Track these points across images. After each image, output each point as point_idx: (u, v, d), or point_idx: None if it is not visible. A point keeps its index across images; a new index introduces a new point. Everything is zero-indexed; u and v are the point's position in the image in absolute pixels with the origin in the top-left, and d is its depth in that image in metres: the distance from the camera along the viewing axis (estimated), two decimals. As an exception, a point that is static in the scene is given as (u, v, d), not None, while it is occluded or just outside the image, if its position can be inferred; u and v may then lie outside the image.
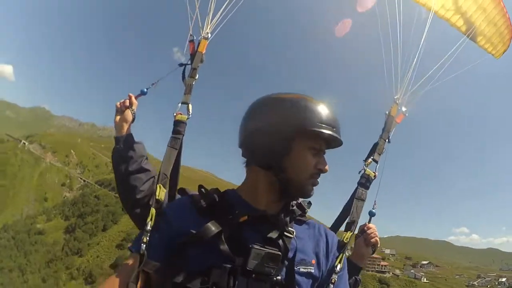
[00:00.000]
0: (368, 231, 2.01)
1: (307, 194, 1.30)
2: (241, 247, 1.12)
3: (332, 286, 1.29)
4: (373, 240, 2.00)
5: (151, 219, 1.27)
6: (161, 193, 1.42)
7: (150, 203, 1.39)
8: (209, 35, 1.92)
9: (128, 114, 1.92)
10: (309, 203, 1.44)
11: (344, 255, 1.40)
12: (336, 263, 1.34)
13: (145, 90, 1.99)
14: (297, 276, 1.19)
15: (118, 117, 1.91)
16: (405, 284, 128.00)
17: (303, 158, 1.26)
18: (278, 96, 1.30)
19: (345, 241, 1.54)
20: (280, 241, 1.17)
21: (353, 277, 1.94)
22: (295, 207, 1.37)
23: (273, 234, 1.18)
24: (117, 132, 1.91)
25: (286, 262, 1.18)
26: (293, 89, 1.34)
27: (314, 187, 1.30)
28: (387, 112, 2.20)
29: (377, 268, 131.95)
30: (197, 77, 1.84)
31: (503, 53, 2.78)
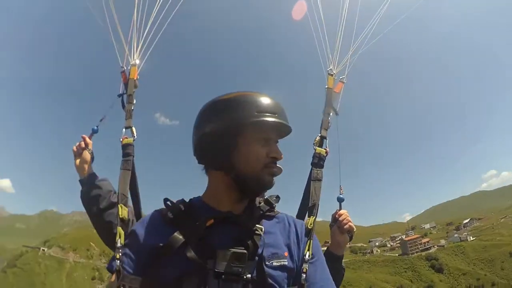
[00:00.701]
0: (340, 218, 1.97)
1: (266, 185, 1.29)
2: (210, 250, 1.14)
3: (304, 275, 1.25)
4: (347, 226, 1.96)
5: (119, 237, 1.36)
6: (123, 212, 1.53)
7: (116, 222, 1.49)
8: (137, 61, 2.07)
9: (86, 154, 2.01)
10: (277, 197, 1.44)
11: (311, 241, 1.36)
12: (305, 252, 1.32)
13: (96, 127, 2.09)
14: (270, 271, 1.19)
15: (77, 160, 2.01)
16: (453, 251, 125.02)
17: (251, 151, 1.26)
18: (219, 98, 1.32)
19: (309, 227, 1.47)
20: (248, 240, 1.18)
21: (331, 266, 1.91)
22: (262, 204, 1.38)
23: (241, 234, 1.20)
24: (80, 174, 2.00)
25: (257, 259, 1.18)
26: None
27: (273, 177, 1.30)
28: (326, 87, 2.21)
29: (420, 247, 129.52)
30: (134, 101, 1.98)
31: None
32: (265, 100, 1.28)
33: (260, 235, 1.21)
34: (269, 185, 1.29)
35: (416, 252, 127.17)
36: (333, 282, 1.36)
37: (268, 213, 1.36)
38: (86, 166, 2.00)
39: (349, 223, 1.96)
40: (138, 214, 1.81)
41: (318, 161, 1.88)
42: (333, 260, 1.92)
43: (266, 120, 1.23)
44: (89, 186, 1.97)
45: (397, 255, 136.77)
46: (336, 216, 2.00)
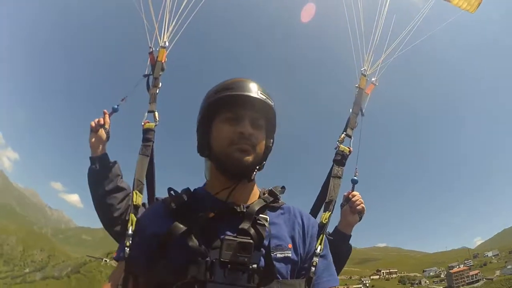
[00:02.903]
0: (353, 199, 2.02)
1: (236, 161, 1.23)
2: (215, 240, 1.13)
3: (313, 268, 1.25)
4: (359, 207, 2.01)
5: (131, 224, 1.33)
6: (138, 198, 1.51)
7: (129, 210, 1.47)
8: (167, 44, 2.03)
9: (102, 133, 1.99)
10: (283, 188, 1.42)
11: (324, 236, 1.35)
12: (316, 245, 1.31)
13: (116, 106, 2.06)
14: (274, 262, 1.17)
15: (92, 137, 1.99)
16: (501, 285, 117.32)
17: (219, 131, 1.27)
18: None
19: (323, 222, 1.50)
20: (252, 230, 1.16)
21: (340, 246, 1.95)
22: (266, 194, 1.36)
23: (245, 224, 1.17)
24: (93, 152, 1.98)
25: (263, 250, 1.16)
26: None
27: (244, 153, 1.24)
28: (356, 86, 2.21)
29: (466, 280, 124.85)
30: (160, 85, 1.94)
31: (478, 6, 2.72)
32: (225, 82, 1.30)
33: (264, 225, 1.19)
34: (240, 161, 1.23)
35: (462, 285, 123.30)
36: (337, 276, 1.37)
37: (272, 204, 1.33)
38: (100, 145, 1.98)
39: (361, 204, 2.02)
40: (151, 201, 1.79)
41: (340, 159, 1.88)
42: (342, 239, 2.02)
43: (220, 96, 1.25)
44: (99, 165, 1.95)
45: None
46: (349, 196, 2.05)
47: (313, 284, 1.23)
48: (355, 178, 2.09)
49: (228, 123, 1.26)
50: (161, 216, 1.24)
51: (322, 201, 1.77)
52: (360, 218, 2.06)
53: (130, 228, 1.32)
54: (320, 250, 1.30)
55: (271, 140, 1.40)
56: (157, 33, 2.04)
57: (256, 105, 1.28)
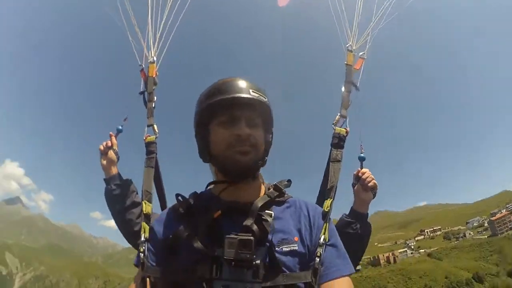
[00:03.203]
0: (363, 176, 2.00)
1: (238, 164, 1.26)
2: (219, 239, 1.16)
3: (317, 259, 1.22)
4: (370, 184, 1.99)
5: (144, 232, 1.41)
6: (147, 208, 1.59)
7: (136, 221, 1.60)
8: (154, 58, 2.12)
9: (112, 154, 2.11)
10: (289, 181, 1.44)
11: (327, 225, 1.31)
12: (320, 235, 1.28)
13: (120, 127, 2.18)
14: (280, 256, 1.19)
15: (103, 160, 2.11)
16: None
17: (216, 135, 1.29)
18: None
19: (326, 210, 1.41)
20: (255, 227, 1.17)
21: (356, 225, 1.96)
22: (271, 190, 1.37)
23: (248, 221, 1.19)
24: (106, 173, 2.10)
25: (267, 245, 1.19)
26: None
27: (244, 154, 1.26)
28: (345, 63, 2.14)
29: (509, 225, 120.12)
30: (155, 99, 2.01)
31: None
32: (215, 85, 1.32)
33: (268, 221, 1.20)
34: (241, 163, 1.25)
35: (506, 231, 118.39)
36: (350, 263, 1.30)
37: (277, 199, 1.35)
38: (112, 166, 2.11)
39: (373, 181, 2.00)
40: (164, 208, 1.90)
41: (338, 142, 1.79)
42: (360, 219, 2.00)
43: (211, 102, 1.27)
44: (114, 185, 2.07)
45: (486, 237, 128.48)
46: (359, 174, 2.03)
47: (320, 274, 1.20)
48: (362, 155, 2.07)
49: (224, 126, 1.28)
50: (171, 221, 1.32)
51: (325, 189, 1.71)
52: (374, 195, 2.04)
53: (143, 235, 1.40)
54: (324, 239, 1.27)
55: (270, 135, 1.41)
56: (145, 50, 2.13)
57: (250, 104, 1.29)
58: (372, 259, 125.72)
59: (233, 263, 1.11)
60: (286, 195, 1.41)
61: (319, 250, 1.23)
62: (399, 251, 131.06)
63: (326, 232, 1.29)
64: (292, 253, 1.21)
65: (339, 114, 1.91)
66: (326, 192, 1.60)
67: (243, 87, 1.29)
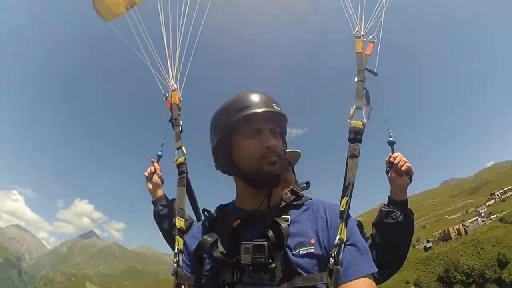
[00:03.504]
0: (396, 161, 1.91)
1: (267, 175, 1.33)
2: (238, 246, 1.25)
3: (332, 260, 1.21)
4: (404, 168, 1.88)
5: (178, 244, 1.61)
6: (180, 223, 1.77)
7: (173, 233, 1.73)
8: (175, 86, 2.31)
9: (156, 179, 2.32)
10: (307, 183, 1.53)
11: (342, 224, 1.30)
12: (336, 235, 1.28)
13: (160, 153, 2.39)
14: (297, 259, 1.23)
15: (149, 184, 2.33)
16: None
17: (243, 147, 1.36)
18: (212, 115, 1.49)
19: (342, 209, 1.38)
20: (271, 232, 1.24)
21: (396, 214, 1.88)
22: (288, 194, 1.45)
23: (264, 228, 1.27)
24: (153, 196, 2.32)
25: (286, 249, 1.24)
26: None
27: (274, 164, 1.33)
28: (356, 51, 2.08)
29: None
30: (181, 123, 2.18)
31: None
32: (241, 99, 1.39)
33: (283, 226, 1.25)
34: (271, 174, 1.32)
35: None
36: (371, 262, 1.26)
37: (295, 202, 1.41)
38: (157, 189, 2.31)
39: (406, 164, 1.89)
40: (199, 221, 2.00)
41: (354, 136, 1.69)
42: (399, 206, 1.90)
43: (241, 116, 1.33)
44: (160, 205, 2.26)
45: None
46: (391, 159, 1.94)
47: (336, 275, 1.19)
48: (391, 139, 1.98)
49: (251, 138, 1.35)
50: (200, 234, 1.45)
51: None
52: (410, 179, 1.93)
53: (176, 247, 1.60)
54: (341, 239, 1.26)
55: (285, 144, 1.49)
56: (166, 80, 2.33)
57: (274, 117, 1.39)
58: (442, 234, 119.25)
59: (250, 267, 1.21)
60: (304, 197, 1.45)
61: (334, 250, 1.23)
62: (469, 221, 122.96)
63: (343, 232, 1.28)
64: (309, 255, 1.24)
65: (354, 106, 1.81)
66: (343, 190, 1.54)
67: (268, 101, 1.38)
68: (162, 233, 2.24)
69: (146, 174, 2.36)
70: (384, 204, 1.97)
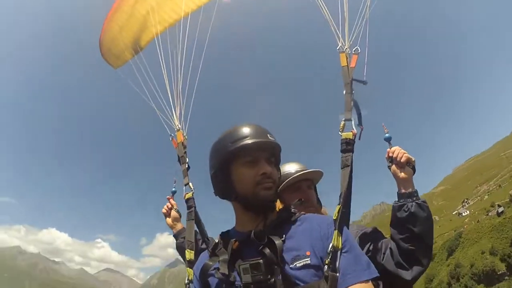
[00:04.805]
0: (394, 155, 1.95)
1: (265, 200, 1.47)
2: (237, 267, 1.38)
3: (326, 267, 1.30)
4: (403, 159, 1.92)
5: (188, 275, 1.79)
6: (190, 255, 1.93)
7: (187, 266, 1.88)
8: (179, 126, 2.47)
9: (174, 213, 2.52)
10: (299, 200, 1.70)
11: (336, 232, 1.39)
12: (330, 243, 1.36)
13: (174, 189, 2.56)
14: (295, 272, 1.31)
15: (168, 220, 2.53)
16: None
17: (241, 175, 1.50)
18: (212, 144, 1.64)
19: (334, 218, 1.47)
20: (267, 250, 1.34)
21: (407, 206, 1.85)
22: (282, 213, 1.58)
23: (260, 246, 1.37)
24: (173, 230, 2.50)
25: (282, 264, 1.33)
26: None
27: (270, 190, 1.49)
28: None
29: None
30: (187, 160, 2.31)
31: None
32: (238, 130, 1.54)
33: (276, 242, 1.35)
34: (267, 198, 1.48)
35: None
36: (369, 268, 1.34)
37: (289, 218, 1.52)
38: (177, 223, 2.51)
39: (405, 155, 1.92)
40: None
41: (346, 147, 1.74)
42: (410, 198, 1.88)
43: (239, 146, 1.48)
44: (181, 238, 2.40)
45: None
46: (390, 154, 1.98)
47: (332, 281, 1.27)
48: (387, 135, 2.05)
49: (248, 167, 1.50)
50: (204, 260, 1.58)
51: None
52: (413, 169, 1.95)
53: (187, 278, 1.78)
54: (334, 246, 1.34)
55: (279, 172, 1.64)
56: (171, 120, 2.51)
57: (270, 147, 1.56)
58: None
59: (252, 286, 1.31)
60: (297, 213, 1.57)
61: (327, 258, 1.32)
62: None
63: (337, 239, 1.36)
64: (306, 267, 1.32)
65: (343, 119, 1.86)
66: (339, 199, 1.61)
67: (263, 132, 1.55)
68: (185, 263, 2.37)
69: (164, 211, 2.56)
70: (395, 200, 1.96)
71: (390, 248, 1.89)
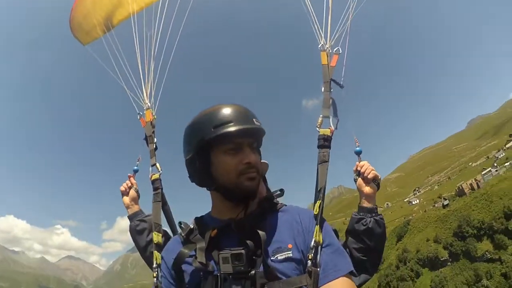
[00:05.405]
0: (362, 170, 1.99)
1: (247, 190, 1.36)
2: (216, 256, 1.29)
3: (310, 262, 1.28)
4: (370, 175, 1.96)
5: (156, 259, 1.69)
6: (158, 237, 1.84)
7: (150, 249, 1.81)
8: (149, 104, 2.39)
9: (133, 193, 2.32)
10: (281, 191, 1.53)
11: (317, 227, 1.37)
12: (312, 238, 1.34)
13: (136, 168, 2.41)
14: (277, 264, 1.27)
15: (126, 198, 2.33)
16: None
17: (223, 163, 1.36)
18: (187, 125, 1.48)
19: (315, 213, 1.46)
20: (248, 240, 1.27)
21: (366, 221, 1.92)
22: (263, 202, 1.48)
23: (241, 236, 1.31)
24: (129, 211, 2.30)
25: (264, 256, 1.27)
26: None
27: (253, 180, 1.37)
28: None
29: None
30: (155, 140, 2.24)
31: None
32: (219, 113, 1.37)
33: (259, 233, 1.28)
34: (250, 188, 1.36)
35: None
36: (348, 261, 1.35)
37: (271, 210, 1.46)
38: (134, 203, 2.32)
39: (372, 171, 1.96)
40: (175, 235, 2.00)
41: (323, 143, 1.76)
42: (369, 213, 1.95)
43: (222, 133, 1.32)
44: (137, 220, 2.25)
45: None
46: (358, 168, 2.01)
47: (315, 277, 1.26)
48: (358, 148, 2.06)
49: (230, 154, 1.36)
50: (176, 247, 1.46)
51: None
52: (378, 185, 2.01)
53: (155, 262, 1.69)
54: (316, 242, 1.33)
55: (260, 156, 1.51)
56: (140, 99, 2.42)
57: (255, 133, 1.42)
58: (457, 190, 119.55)
59: (230, 276, 1.24)
60: (279, 204, 1.51)
61: (311, 253, 1.30)
62: (482, 173, 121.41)
63: (318, 235, 1.35)
64: (287, 260, 1.29)
65: (321, 116, 1.88)
66: (315, 194, 1.64)
67: (247, 116, 1.39)
68: (138, 249, 2.24)
69: (123, 188, 2.37)
70: (355, 212, 2.02)
71: None
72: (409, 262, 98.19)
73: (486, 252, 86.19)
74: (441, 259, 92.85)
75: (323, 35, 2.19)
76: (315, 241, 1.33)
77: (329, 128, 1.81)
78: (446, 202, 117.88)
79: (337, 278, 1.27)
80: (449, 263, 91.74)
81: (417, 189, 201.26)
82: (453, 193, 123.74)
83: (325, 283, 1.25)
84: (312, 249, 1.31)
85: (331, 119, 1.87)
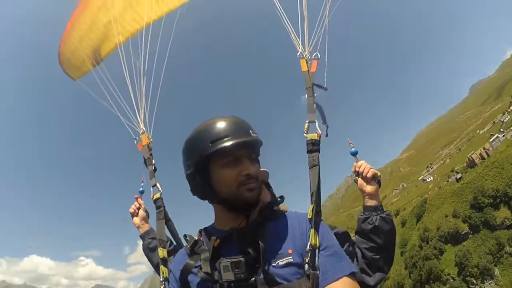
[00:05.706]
0: (360, 170, 2.03)
1: (247, 201, 1.40)
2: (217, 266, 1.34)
3: (306, 266, 1.31)
4: (369, 174, 2.00)
5: (162, 273, 1.79)
6: (163, 253, 1.92)
7: (159, 263, 1.88)
8: (144, 129, 2.50)
9: (142, 213, 2.46)
10: (281, 197, 1.63)
11: (312, 231, 1.40)
12: (308, 242, 1.38)
13: (142, 189, 2.55)
14: (278, 270, 1.30)
15: (136, 219, 2.47)
16: None
17: (222, 176, 1.40)
18: (185, 140, 1.52)
19: (309, 216, 1.48)
20: (249, 248, 1.32)
21: (372, 219, 1.95)
22: (264, 210, 1.51)
23: (242, 245, 1.35)
24: (140, 230, 2.44)
25: (265, 262, 1.31)
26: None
27: (253, 191, 1.41)
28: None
29: None
30: (153, 162, 2.35)
31: None
32: (216, 128, 1.42)
33: (260, 241, 1.33)
34: (251, 199, 1.40)
35: None
36: (348, 263, 1.38)
37: (271, 217, 1.49)
38: (144, 223, 2.47)
39: (370, 170, 2.00)
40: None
41: (312, 147, 1.76)
42: (375, 211, 1.97)
43: (219, 148, 1.36)
44: (148, 239, 2.38)
45: None
46: (356, 169, 2.06)
47: (314, 280, 1.28)
48: (353, 149, 2.10)
49: (229, 167, 1.40)
50: (183, 259, 1.52)
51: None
52: (379, 183, 2.04)
53: (162, 276, 1.78)
54: (312, 245, 1.36)
55: (259, 165, 1.55)
56: (135, 124, 2.53)
57: (252, 145, 1.47)
58: (468, 161, 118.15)
59: (232, 284, 1.29)
60: (278, 211, 1.55)
61: (307, 256, 1.32)
62: (490, 140, 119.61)
63: (314, 238, 1.37)
64: (288, 265, 1.32)
65: (307, 121, 1.88)
66: (310, 198, 1.63)
67: (246, 130, 1.44)
68: (152, 265, 2.34)
69: (132, 210, 2.52)
70: (361, 212, 2.05)
71: (350, 253, 1.96)
72: (431, 240, 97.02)
73: (505, 219, 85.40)
74: (462, 233, 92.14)
75: (300, 43, 2.22)
76: (310, 244, 1.36)
77: (316, 132, 1.82)
78: (459, 176, 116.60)
79: (336, 280, 1.30)
80: (470, 236, 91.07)
81: (429, 165, 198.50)
82: (465, 164, 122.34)
83: (325, 286, 1.29)
84: (308, 252, 1.34)
85: (317, 123, 1.88)
